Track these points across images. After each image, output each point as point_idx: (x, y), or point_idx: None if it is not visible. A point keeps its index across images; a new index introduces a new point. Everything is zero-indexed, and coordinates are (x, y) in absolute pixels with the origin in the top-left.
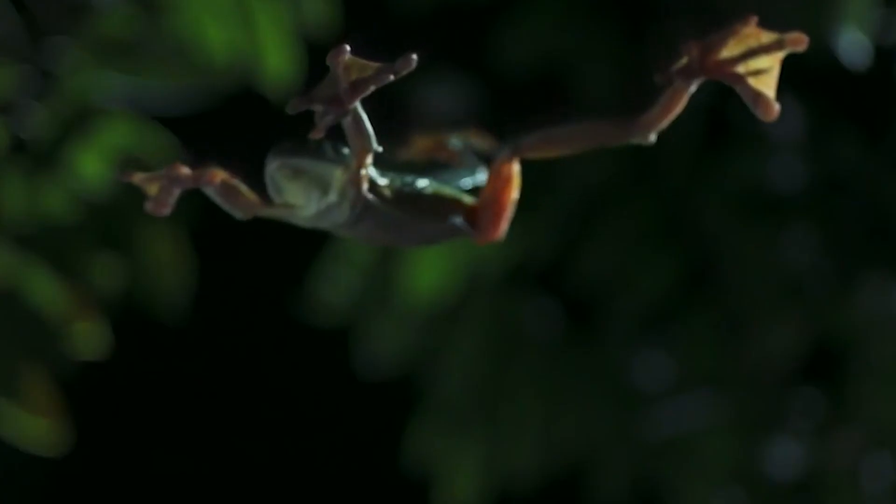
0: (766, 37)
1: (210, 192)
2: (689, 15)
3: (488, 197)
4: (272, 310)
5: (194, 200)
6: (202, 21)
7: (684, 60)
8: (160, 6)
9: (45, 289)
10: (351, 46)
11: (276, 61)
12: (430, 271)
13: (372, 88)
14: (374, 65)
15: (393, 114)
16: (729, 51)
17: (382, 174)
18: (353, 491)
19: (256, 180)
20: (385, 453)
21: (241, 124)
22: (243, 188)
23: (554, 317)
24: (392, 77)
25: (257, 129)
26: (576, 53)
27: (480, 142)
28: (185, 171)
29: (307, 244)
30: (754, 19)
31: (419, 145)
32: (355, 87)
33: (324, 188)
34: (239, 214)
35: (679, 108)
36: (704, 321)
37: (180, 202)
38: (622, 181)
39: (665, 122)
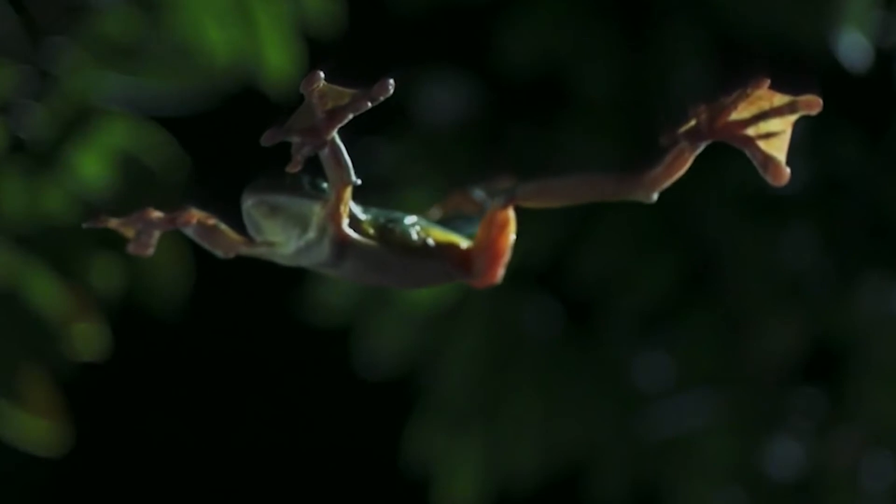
0: (779, 99)
1: (189, 232)
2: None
3: (482, 242)
4: (272, 309)
5: (194, 199)
6: (202, 21)
7: (692, 123)
8: (160, 7)
9: (44, 290)
10: (325, 72)
11: (277, 59)
12: None
13: (349, 117)
14: (351, 92)
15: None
16: (739, 112)
17: (366, 210)
18: (353, 491)
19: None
20: (385, 453)
21: (241, 125)
22: (222, 227)
23: (554, 317)
24: (369, 104)
25: (257, 130)
26: (576, 53)
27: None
28: (158, 214)
29: None
30: (766, 82)
31: (453, 202)
32: (332, 116)
33: (302, 225)
34: (220, 253)
35: (684, 168)
36: (704, 321)
37: (180, 202)
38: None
39: (668, 182)
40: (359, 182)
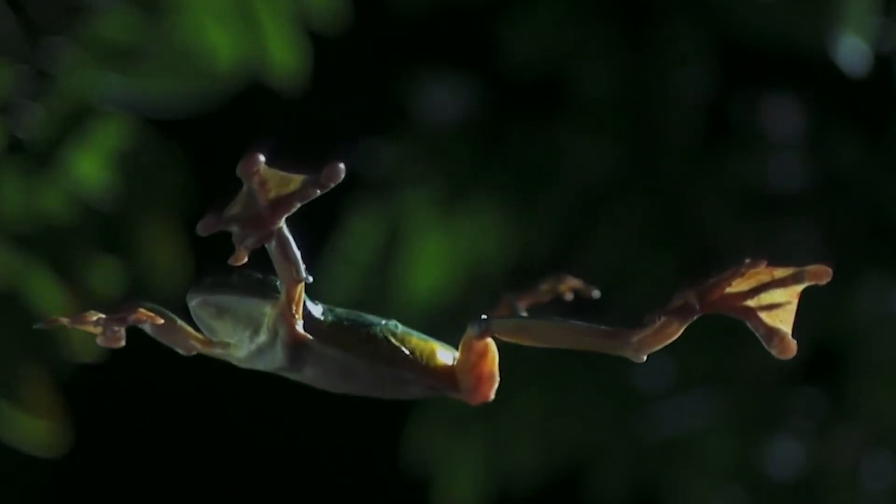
0: (780, 272)
1: (146, 329)
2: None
3: (463, 367)
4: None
5: (194, 200)
6: (203, 22)
7: (679, 302)
8: (160, 8)
9: (43, 290)
10: (263, 152)
11: (283, 56)
12: (430, 270)
13: (297, 206)
14: (296, 178)
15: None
16: (736, 286)
17: (330, 309)
18: (353, 491)
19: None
20: (385, 453)
21: (242, 127)
22: (178, 323)
23: (554, 316)
24: (319, 192)
25: (257, 131)
26: (576, 53)
27: (572, 285)
28: (108, 316)
29: (308, 243)
30: (763, 262)
31: (506, 304)
32: (277, 204)
33: (253, 327)
34: (182, 351)
35: (674, 337)
36: (704, 321)
37: (180, 202)
38: (622, 180)
39: (658, 347)
40: (310, 279)
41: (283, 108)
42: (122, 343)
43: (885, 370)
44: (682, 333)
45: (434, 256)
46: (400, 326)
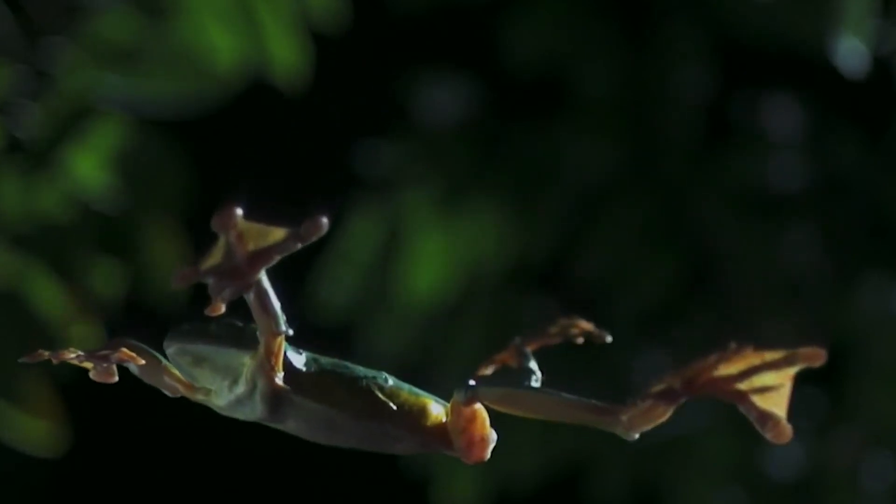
0: (771, 355)
1: (132, 369)
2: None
3: (454, 428)
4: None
5: (194, 200)
6: (204, 22)
7: (663, 386)
8: (160, 8)
9: (43, 290)
10: (241, 204)
11: (285, 54)
12: (430, 270)
13: (277, 259)
14: (275, 231)
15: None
16: (725, 369)
17: (315, 359)
18: (353, 491)
19: (258, 194)
20: (385, 453)
21: (243, 128)
22: (163, 365)
23: (554, 316)
24: (299, 245)
25: (258, 133)
26: (576, 53)
27: (583, 328)
28: (91, 353)
29: (308, 243)
30: (749, 346)
31: (502, 358)
32: (255, 257)
33: (232, 377)
34: (167, 392)
35: (664, 417)
36: (704, 321)
37: (180, 202)
38: (622, 180)
39: (648, 427)
40: (290, 332)
41: (283, 109)
42: (115, 379)
43: (885, 370)
44: (683, 333)
45: (434, 256)
46: (391, 379)
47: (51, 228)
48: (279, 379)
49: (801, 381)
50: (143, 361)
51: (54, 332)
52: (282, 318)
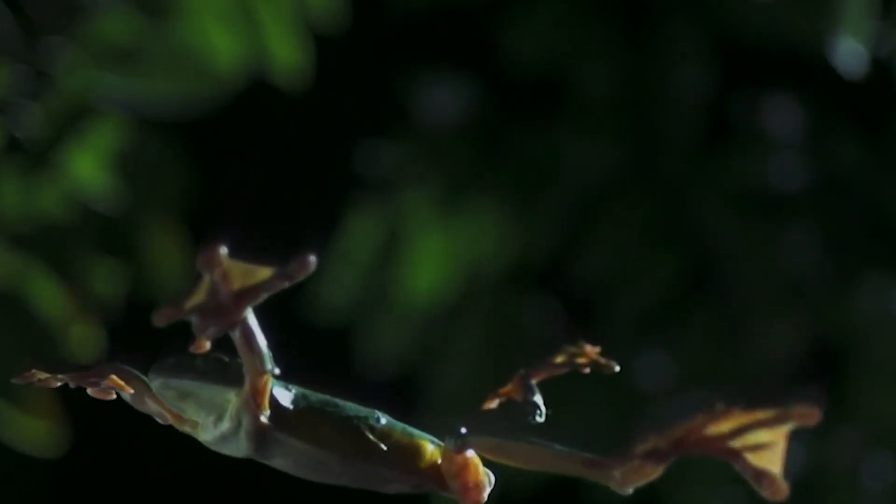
0: (762, 413)
1: (124, 396)
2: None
3: (448, 473)
4: (271, 309)
5: (195, 200)
6: (204, 23)
7: (650, 446)
8: (160, 8)
9: (43, 290)
10: (227, 241)
11: (284, 56)
12: (430, 270)
13: (264, 297)
14: (262, 270)
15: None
16: (717, 426)
17: (304, 396)
18: (353, 490)
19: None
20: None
21: (244, 129)
22: (153, 393)
23: (554, 317)
24: (287, 284)
25: (258, 134)
26: (576, 53)
27: (590, 355)
28: (80, 376)
29: (308, 243)
30: (736, 406)
31: (506, 391)
32: (242, 295)
33: (217, 413)
34: (158, 419)
35: (656, 475)
36: (704, 321)
37: (181, 202)
38: (622, 180)
39: (641, 483)
40: (276, 371)
41: (282, 109)
42: (113, 396)
43: (885, 370)
44: (683, 333)
45: (434, 256)
46: (383, 419)
47: (51, 228)
48: (265, 417)
49: (802, 381)
50: (132, 390)
51: (54, 333)
52: (268, 356)
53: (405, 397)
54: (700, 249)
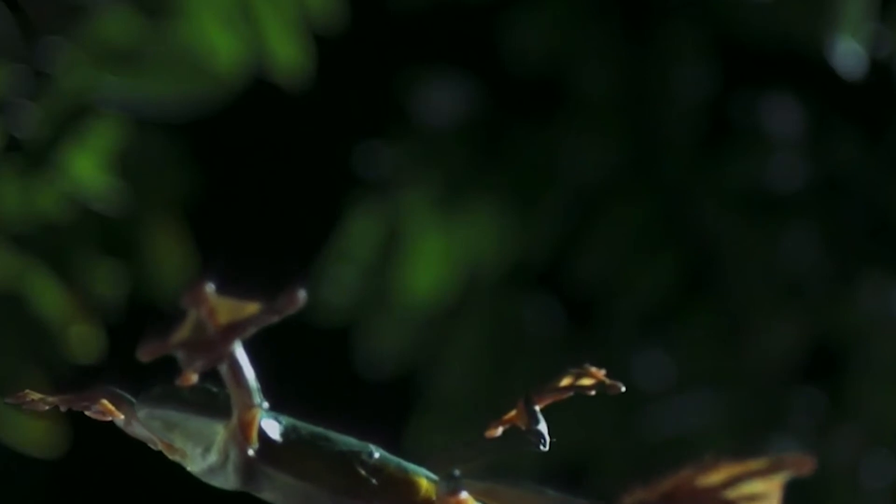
0: (755, 463)
1: (116, 422)
2: None
3: None
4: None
5: (195, 198)
6: (204, 23)
7: (635, 498)
8: (160, 8)
9: (43, 291)
10: (211, 278)
11: (285, 56)
12: (429, 271)
13: (252, 331)
14: (250, 306)
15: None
16: (709, 478)
17: (295, 428)
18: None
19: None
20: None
21: (245, 130)
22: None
23: (554, 317)
24: (276, 318)
25: (259, 135)
26: (576, 53)
27: (595, 377)
28: (70, 398)
29: (308, 243)
30: (725, 458)
31: (509, 418)
32: (229, 330)
33: (204, 445)
34: (150, 445)
35: None
36: (704, 321)
37: (182, 203)
38: (622, 180)
39: None
40: (266, 405)
41: (282, 109)
42: (108, 417)
43: (885, 370)
44: (683, 333)
45: (433, 256)
46: (377, 452)
47: (51, 228)
48: (253, 451)
49: (802, 381)
50: (123, 416)
51: (54, 333)
52: (256, 390)
53: (405, 397)
54: (700, 249)
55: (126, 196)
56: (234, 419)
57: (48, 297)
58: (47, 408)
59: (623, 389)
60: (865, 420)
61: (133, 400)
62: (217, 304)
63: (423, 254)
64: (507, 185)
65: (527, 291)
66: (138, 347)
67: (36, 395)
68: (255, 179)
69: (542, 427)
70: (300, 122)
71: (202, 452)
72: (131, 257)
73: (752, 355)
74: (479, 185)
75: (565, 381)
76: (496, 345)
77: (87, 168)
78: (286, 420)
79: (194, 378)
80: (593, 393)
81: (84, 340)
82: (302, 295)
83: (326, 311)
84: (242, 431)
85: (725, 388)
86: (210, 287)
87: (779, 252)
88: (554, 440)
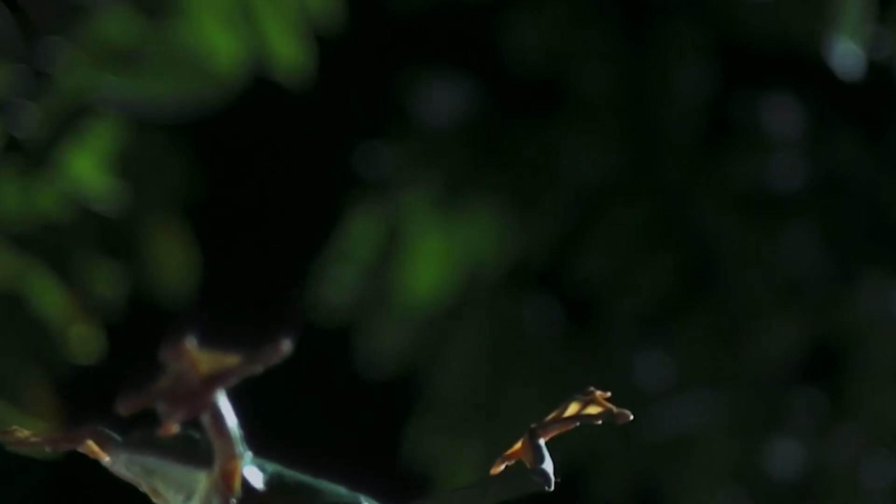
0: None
1: (103, 463)
2: None
3: None
4: (273, 309)
5: (195, 198)
6: (204, 23)
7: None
8: (160, 8)
9: (43, 291)
10: (191, 331)
11: (285, 56)
12: (429, 271)
13: (234, 381)
14: (233, 357)
15: None
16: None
17: (279, 475)
18: (353, 488)
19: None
20: (384, 453)
21: (245, 130)
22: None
23: (554, 316)
24: (259, 369)
25: (259, 136)
26: (576, 53)
27: (601, 405)
28: (57, 437)
29: (308, 243)
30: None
31: (513, 453)
32: (211, 380)
33: (186, 493)
34: (136, 486)
35: None
36: (704, 321)
37: (182, 202)
38: (622, 180)
39: None
40: (249, 454)
41: (282, 109)
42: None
43: (885, 370)
44: (683, 333)
45: (434, 256)
46: (365, 502)
47: (51, 228)
48: (235, 501)
49: (802, 381)
50: (108, 457)
51: (54, 333)
52: (239, 439)
53: (405, 397)
54: (700, 249)
55: (126, 196)
56: (217, 468)
57: (48, 297)
58: (34, 445)
59: (631, 417)
60: (865, 420)
61: (120, 440)
62: (198, 356)
63: (423, 254)
64: (507, 185)
65: (527, 291)
66: (117, 400)
67: (24, 433)
68: (255, 179)
69: (548, 465)
70: (300, 122)
71: (184, 500)
72: (131, 257)
73: (752, 355)
74: (479, 185)
75: (571, 410)
76: (496, 345)
77: (87, 168)
78: (272, 467)
79: (175, 428)
80: (600, 422)
81: (84, 340)
82: (286, 346)
83: (326, 311)
84: (224, 481)
85: (725, 388)
86: (190, 342)
87: (779, 252)
88: (554, 441)
